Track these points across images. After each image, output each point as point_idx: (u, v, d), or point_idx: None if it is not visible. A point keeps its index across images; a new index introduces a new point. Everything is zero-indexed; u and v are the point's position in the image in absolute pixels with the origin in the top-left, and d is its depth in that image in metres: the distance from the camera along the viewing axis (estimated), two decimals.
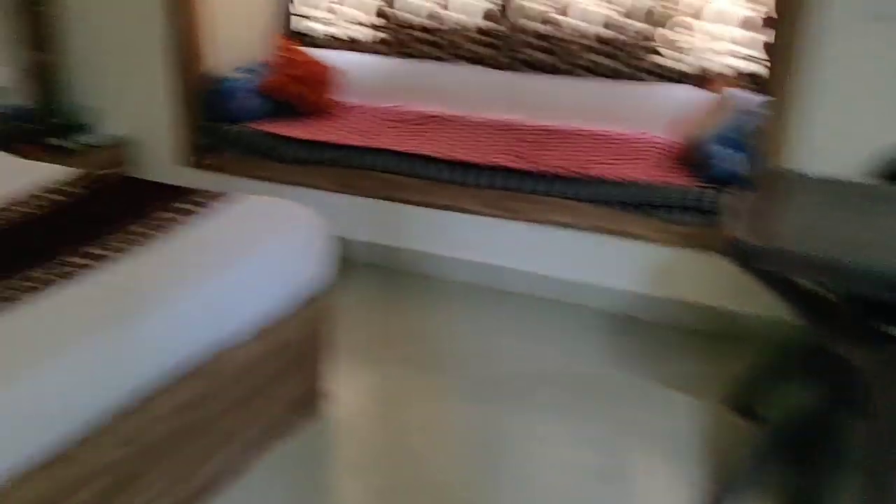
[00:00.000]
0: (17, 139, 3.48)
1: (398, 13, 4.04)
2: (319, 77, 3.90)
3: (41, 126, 3.63)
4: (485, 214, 3.24)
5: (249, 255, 2.16)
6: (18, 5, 3.65)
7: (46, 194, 2.42)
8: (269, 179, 3.55)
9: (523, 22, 3.81)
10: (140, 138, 3.82)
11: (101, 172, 2.63)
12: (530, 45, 3.84)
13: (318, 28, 4.23)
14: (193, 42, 3.60)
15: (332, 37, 4.21)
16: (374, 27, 4.12)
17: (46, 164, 2.74)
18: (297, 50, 3.97)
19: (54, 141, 3.57)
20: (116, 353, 1.75)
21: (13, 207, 2.30)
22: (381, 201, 3.41)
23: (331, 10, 4.18)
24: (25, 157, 2.93)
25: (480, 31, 3.90)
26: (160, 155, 3.79)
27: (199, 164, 3.73)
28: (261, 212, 2.37)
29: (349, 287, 3.05)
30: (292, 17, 4.27)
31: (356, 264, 3.40)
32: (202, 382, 1.99)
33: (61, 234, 2.15)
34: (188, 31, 3.56)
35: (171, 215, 2.27)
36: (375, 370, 2.86)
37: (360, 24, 4.13)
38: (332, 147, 3.48)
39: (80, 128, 3.76)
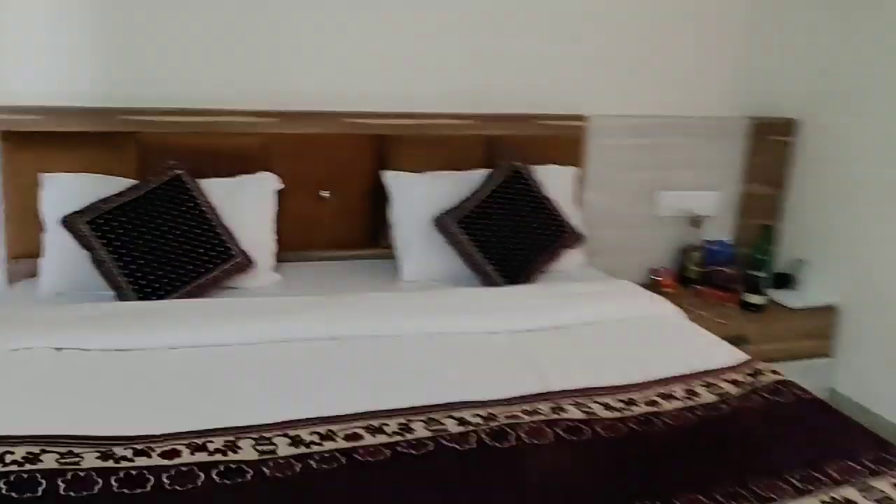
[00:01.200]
0: (706, 279, 3.01)
1: None
2: None
3: (735, 270, 3.02)
4: None
5: None
6: (759, 130, 3.16)
7: (684, 385, 1.77)
8: None
9: None
10: (853, 314, 2.94)
11: (772, 377, 1.82)
12: None
13: None
14: None
15: None
16: None
17: (707, 335, 2.10)
18: None
19: (746, 295, 2.93)
20: None
21: (654, 398, 1.70)
22: None
23: None
24: (706, 301, 2.91)
25: None
26: (875, 341, 2.86)
27: None
28: None
29: None
30: None
31: None
32: None
33: (685, 462, 1.45)
34: None
35: (846, 482, 1.38)
36: None
37: None
38: None
39: (782, 281, 3.07)
